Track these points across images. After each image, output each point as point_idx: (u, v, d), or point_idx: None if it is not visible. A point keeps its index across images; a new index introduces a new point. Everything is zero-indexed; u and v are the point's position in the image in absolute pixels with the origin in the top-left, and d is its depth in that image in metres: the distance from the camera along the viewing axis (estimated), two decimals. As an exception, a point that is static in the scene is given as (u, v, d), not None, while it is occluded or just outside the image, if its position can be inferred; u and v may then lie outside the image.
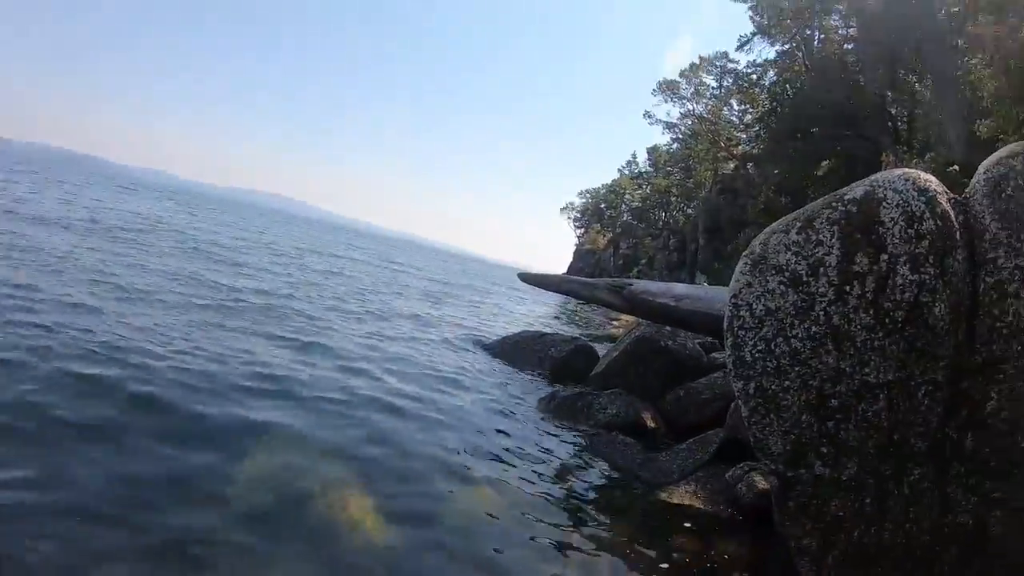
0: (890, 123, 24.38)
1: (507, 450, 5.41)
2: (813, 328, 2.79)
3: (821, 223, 2.84)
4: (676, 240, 43.21)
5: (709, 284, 23.36)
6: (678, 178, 57.44)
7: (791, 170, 27.35)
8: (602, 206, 76.35)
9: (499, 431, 5.88)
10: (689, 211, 51.05)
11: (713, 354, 8.98)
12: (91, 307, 6.69)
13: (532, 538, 3.99)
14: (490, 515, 4.18)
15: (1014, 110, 12.52)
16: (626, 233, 64.77)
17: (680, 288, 6.76)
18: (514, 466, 5.07)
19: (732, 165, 41.62)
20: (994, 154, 3.02)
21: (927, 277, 2.77)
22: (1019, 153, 2.92)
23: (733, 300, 2.91)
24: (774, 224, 3.00)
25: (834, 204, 2.86)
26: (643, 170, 69.03)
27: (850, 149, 24.36)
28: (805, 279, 2.81)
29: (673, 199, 58.81)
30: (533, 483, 4.80)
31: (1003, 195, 2.86)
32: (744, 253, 2.97)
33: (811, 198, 22.91)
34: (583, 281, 8.23)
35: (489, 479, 4.70)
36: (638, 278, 31.84)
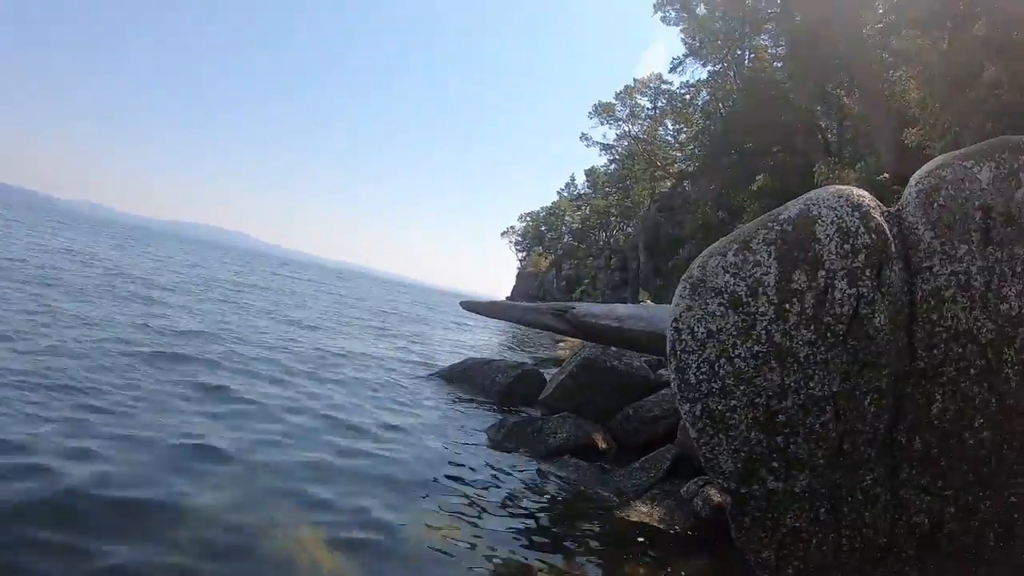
0: (821, 136, 25.16)
1: (459, 479, 5.35)
2: (755, 347, 2.82)
3: (758, 243, 2.88)
4: (617, 259, 43.71)
5: (652, 301, 23.66)
6: (616, 198, 58.18)
7: (727, 185, 28.03)
8: (543, 228, 77.10)
9: (450, 461, 5.81)
10: (629, 230, 51.71)
11: (660, 371, 9.03)
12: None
13: (488, 567, 3.94)
14: (444, 546, 4.12)
15: (939, 118, 13.03)
16: (567, 255, 65.32)
17: (622, 309, 6.81)
18: (467, 496, 5.00)
19: (669, 183, 42.41)
20: (924, 166, 3.12)
21: (865, 289, 2.82)
22: (948, 164, 3.01)
23: (675, 324, 2.93)
24: (711, 247, 3.03)
25: (769, 224, 2.91)
26: (582, 191, 70.01)
27: (783, 162, 25.12)
28: (745, 299, 2.85)
29: (613, 219, 59.62)
30: (487, 511, 4.75)
31: (935, 205, 2.94)
32: (683, 277, 2.99)
33: (748, 212, 23.59)
34: (526, 307, 8.22)
35: (441, 509, 4.64)
36: (581, 299, 32.13)
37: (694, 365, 2.87)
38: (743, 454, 2.84)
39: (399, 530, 4.27)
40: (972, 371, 2.88)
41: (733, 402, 2.83)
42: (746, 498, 2.88)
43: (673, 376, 2.94)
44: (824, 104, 23.48)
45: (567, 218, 72.05)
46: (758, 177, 26.38)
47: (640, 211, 47.30)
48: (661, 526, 4.77)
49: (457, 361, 11.08)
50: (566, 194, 73.19)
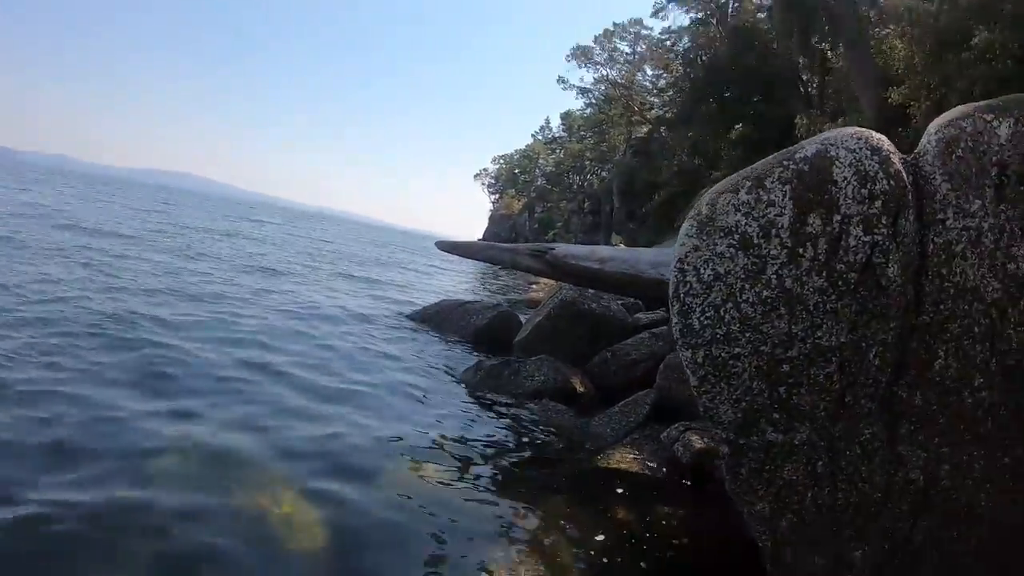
0: (802, 89, 24.94)
1: (435, 423, 5.25)
2: (764, 292, 2.68)
3: (773, 182, 2.71)
4: (591, 203, 43.60)
5: (625, 245, 23.59)
6: (592, 142, 57.89)
7: (704, 133, 27.85)
8: (516, 171, 76.54)
9: (426, 405, 5.70)
10: (603, 174, 51.51)
11: (637, 315, 8.99)
12: None
13: (468, 514, 3.85)
14: (421, 492, 4.02)
15: (925, 79, 12.90)
16: (541, 197, 65.16)
17: (604, 251, 6.69)
18: (443, 440, 4.91)
19: (645, 129, 42.06)
20: (944, 115, 2.97)
21: (880, 238, 2.69)
22: (969, 115, 2.87)
23: (679, 265, 2.76)
24: (721, 184, 2.86)
25: (785, 162, 2.74)
26: (557, 135, 69.45)
27: (763, 113, 24.91)
28: (756, 241, 2.69)
29: (587, 163, 59.31)
30: (464, 455, 4.66)
31: (953, 156, 2.80)
32: (690, 215, 2.82)
33: (725, 160, 23.43)
34: (504, 247, 8.09)
35: (419, 455, 4.54)
36: (555, 241, 31.95)
37: (698, 309, 2.73)
38: (744, 404, 2.73)
39: (375, 477, 4.16)
40: (976, 329, 2.79)
41: (737, 349, 2.70)
42: (744, 449, 2.78)
43: (675, 320, 2.79)
44: (807, 57, 23.21)
45: (541, 161, 71.55)
46: (737, 126, 26.22)
47: (615, 156, 47.05)
48: (641, 471, 4.73)
49: (431, 303, 10.92)
50: (540, 137, 72.74)
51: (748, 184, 2.74)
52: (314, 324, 8.60)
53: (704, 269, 2.72)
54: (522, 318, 9.63)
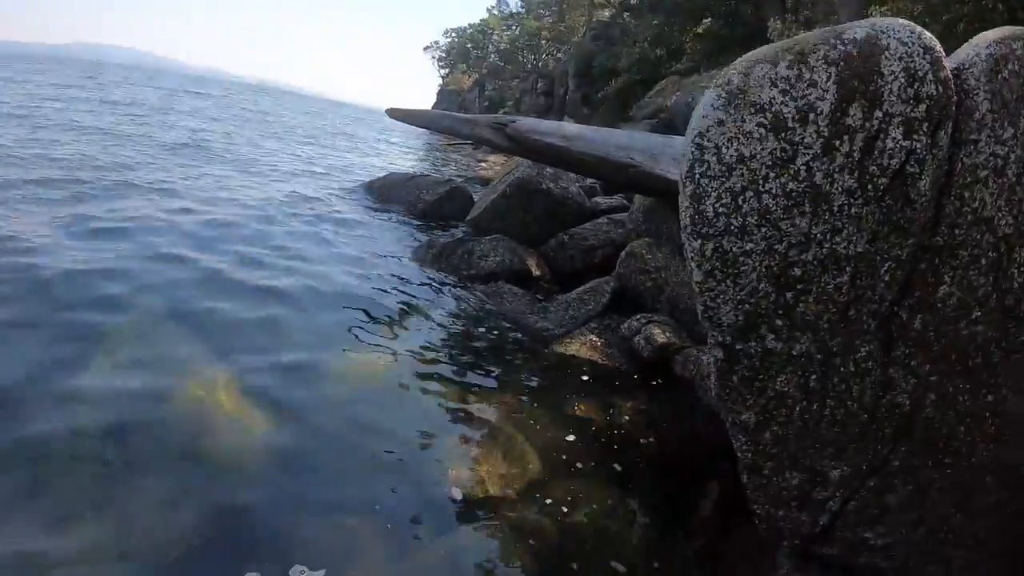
0: (778, -9, 24.17)
1: (383, 307, 4.98)
2: (790, 185, 2.40)
3: (817, 60, 2.38)
4: (544, 84, 42.37)
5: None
6: (550, 21, 56.04)
7: (670, 23, 26.95)
8: (468, 46, 74.04)
9: (373, 286, 5.40)
10: (559, 55, 50.19)
11: (595, 199, 8.73)
12: None
13: (422, 408, 3.66)
14: (368, 381, 3.81)
15: (911, 6, 12.46)
16: (492, 75, 63.27)
17: (570, 128, 6.36)
18: (391, 325, 4.66)
19: (608, 13, 40.71)
20: (992, 31, 2.69)
21: (918, 146, 2.43)
22: (1021, 37, 2.60)
23: (698, 140, 2.43)
24: (757, 52, 2.49)
25: (833, 41, 2.40)
26: (514, 11, 66.96)
27: (736, 10, 24.10)
28: (790, 125, 2.38)
29: (544, 43, 57.66)
30: (413, 342, 4.43)
31: (999, 76, 2.54)
32: (717, 83, 2.46)
33: (688, 53, 22.83)
34: (462, 117, 7.66)
35: (365, 341, 4.30)
36: (506, 119, 31.10)
37: (714, 195, 2.43)
38: (747, 307, 2.50)
39: (318, 366, 3.92)
40: (983, 261, 2.61)
41: (750, 245, 2.44)
42: (739, 356, 2.58)
43: (686, 204, 2.49)
44: (789, -44, 22.39)
45: (495, 37, 69.32)
46: (705, 20, 25.48)
47: (574, 37, 45.68)
48: (599, 362, 4.59)
49: (377, 176, 10.40)
50: (496, 12, 69.90)
51: (789, 58, 2.40)
52: (254, 185, 8.11)
53: (727, 149, 2.40)
54: (474, 195, 9.26)
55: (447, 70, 77.50)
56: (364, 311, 4.85)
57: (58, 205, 5.98)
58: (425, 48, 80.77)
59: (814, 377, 2.60)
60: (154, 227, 5.96)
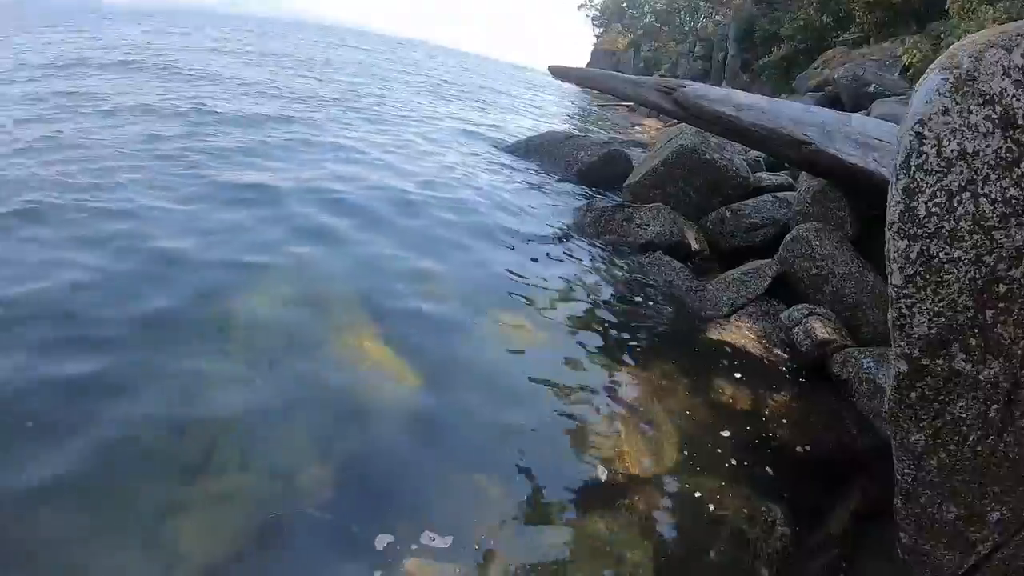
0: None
1: (539, 269, 4.91)
2: (1011, 191, 2.11)
3: (1063, 52, 2.07)
4: (703, 47, 40.72)
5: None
6: (709, -19, 53.42)
7: (840, -13, 25.00)
8: (624, 5, 71.35)
9: (531, 248, 5.35)
10: (719, 18, 47.87)
11: (759, 174, 8.26)
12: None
13: (568, 376, 3.58)
14: (518, 346, 3.79)
15: None
16: (648, 35, 61.25)
17: (742, 97, 5.99)
18: (547, 289, 4.59)
19: (772, -26, 38.40)
20: None
21: None
22: None
23: (917, 129, 2.17)
24: (990, 32, 2.19)
25: (1088, 32, 2.08)
26: None
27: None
28: (1020, 122, 2.09)
29: (702, 4, 55.12)
30: (568, 311, 4.35)
31: None
32: (942, 63, 2.18)
33: (857, 24, 21.11)
34: (627, 78, 7.37)
35: (517, 303, 4.26)
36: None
37: (929, 191, 2.17)
38: (943, 320, 2.24)
39: (468, 324, 3.93)
40: None
41: (958, 253, 2.17)
42: (924, 372, 2.33)
43: (897, 199, 2.24)
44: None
45: None
46: (879, -13, 23.42)
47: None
48: (753, 350, 4.35)
49: (534, 135, 10.25)
50: None
51: (1028, 44, 2.10)
52: (407, 142, 8.22)
53: (949, 141, 2.13)
54: (634, 159, 8.98)
55: (601, 29, 75.18)
56: (517, 273, 4.81)
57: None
58: (579, 6, 78.51)
59: (996, 407, 2.30)
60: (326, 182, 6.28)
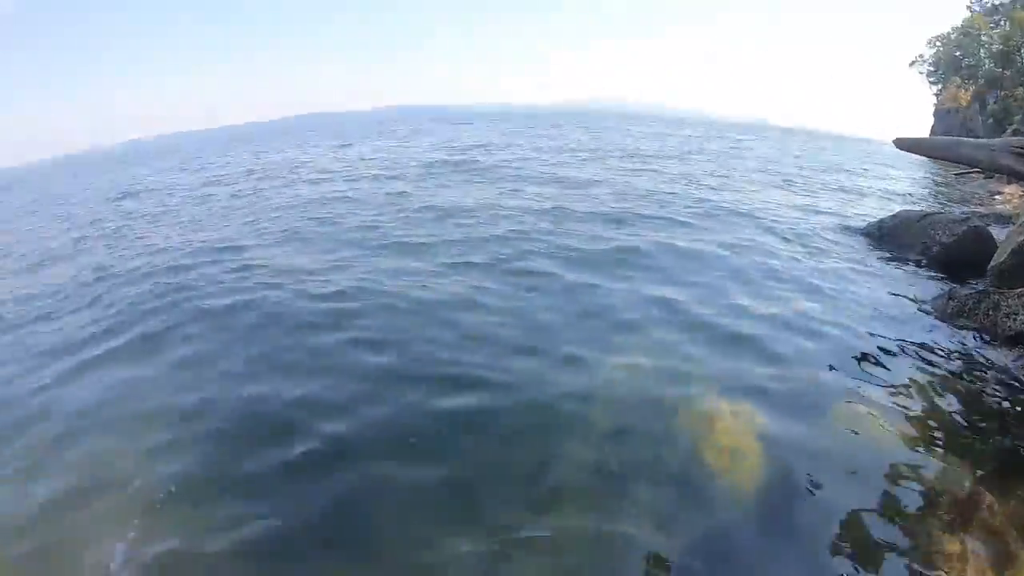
0: None
1: (894, 359, 4.77)
2: None
3: None
4: (1058, 85, 34.75)
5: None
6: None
7: None
8: (957, 54, 62.49)
9: (886, 338, 5.22)
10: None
11: None
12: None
13: (908, 478, 3.45)
14: (868, 442, 3.73)
15: None
16: (991, 84, 53.51)
17: None
18: (907, 383, 4.44)
19: None
20: None
21: None
22: None
23: None
24: None
25: None
26: (998, 2, 55.54)
27: None
28: None
29: (1044, 31, 46.86)
30: (920, 406, 4.16)
31: None
32: None
33: None
34: (978, 143, 6.86)
35: (879, 399, 4.19)
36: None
37: None
38: None
39: (818, 405, 4.02)
40: None
41: None
42: None
43: None
44: None
45: (983, 38, 57.60)
46: None
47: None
48: None
49: (886, 216, 9.65)
50: (977, 7, 58.34)
51: None
52: (756, 238, 8.27)
53: None
54: (996, 236, 8.03)
55: (940, 86, 66.75)
56: (875, 362, 4.73)
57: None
58: (911, 63, 70.15)
59: None
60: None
